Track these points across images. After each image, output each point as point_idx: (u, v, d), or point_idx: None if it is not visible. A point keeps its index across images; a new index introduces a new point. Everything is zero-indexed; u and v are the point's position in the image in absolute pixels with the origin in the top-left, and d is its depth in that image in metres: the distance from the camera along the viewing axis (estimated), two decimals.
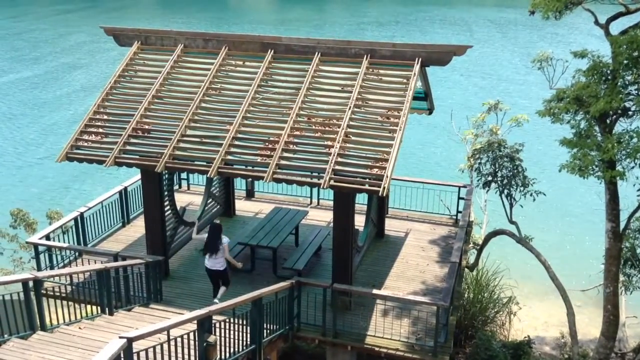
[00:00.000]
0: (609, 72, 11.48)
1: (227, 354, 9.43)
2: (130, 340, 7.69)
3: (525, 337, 14.82)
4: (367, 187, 10.45)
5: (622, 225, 12.60)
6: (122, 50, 13.72)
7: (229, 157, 11.22)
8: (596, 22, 12.19)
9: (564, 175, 11.95)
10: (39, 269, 12.85)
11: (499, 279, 16.65)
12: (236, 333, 9.65)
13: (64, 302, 10.75)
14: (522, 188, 14.24)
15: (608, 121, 11.82)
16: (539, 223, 22.26)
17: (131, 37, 13.57)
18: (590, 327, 17.05)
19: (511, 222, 14.89)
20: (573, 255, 20.92)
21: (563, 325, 16.30)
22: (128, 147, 11.69)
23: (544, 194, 14.31)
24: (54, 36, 63.56)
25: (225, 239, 11.71)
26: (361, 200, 13.74)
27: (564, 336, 16.26)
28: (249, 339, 10.05)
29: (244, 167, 11.59)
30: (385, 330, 11.06)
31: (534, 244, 14.77)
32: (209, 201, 15.05)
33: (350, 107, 11.38)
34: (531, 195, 14.20)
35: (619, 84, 11.32)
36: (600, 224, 13.62)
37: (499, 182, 14.46)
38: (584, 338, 16.23)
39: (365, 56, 12.16)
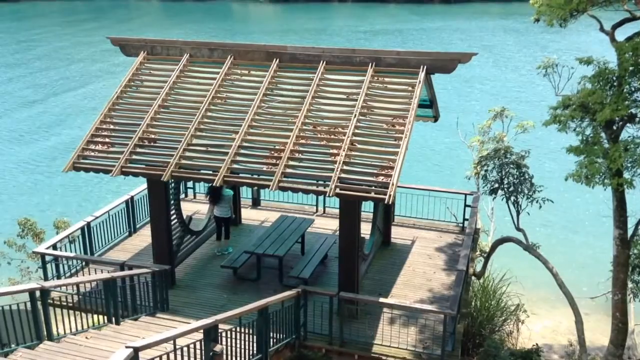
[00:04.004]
0: (614, 78, 11.45)
1: None
2: (137, 350, 7.69)
3: (533, 345, 14.69)
4: (373, 194, 10.44)
5: (630, 232, 12.53)
6: (129, 60, 13.81)
7: (235, 165, 11.24)
8: (601, 29, 12.18)
9: (570, 181, 11.91)
10: (45, 278, 12.89)
11: (506, 286, 16.55)
12: (242, 342, 9.63)
13: (71, 312, 10.75)
14: (529, 195, 14.18)
15: (614, 128, 11.78)
16: (547, 230, 22.16)
17: (137, 47, 13.66)
18: (598, 334, 16.91)
19: (518, 229, 14.82)
20: (581, 263, 20.78)
21: (571, 333, 16.18)
22: (134, 157, 11.74)
23: (551, 201, 14.25)
24: (59, 47, 64.08)
25: (227, 192, 14.05)
26: (367, 208, 13.71)
27: (573, 344, 16.14)
28: (255, 348, 10.02)
29: (249, 175, 11.61)
30: (392, 338, 11.01)
31: (542, 252, 14.68)
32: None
33: (355, 115, 11.39)
34: (537, 202, 14.14)
35: (625, 90, 11.29)
36: (608, 230, 13.54)
37: (505, 189, 14.41)
38: (592, 346, 16.10)
39: (370, 64, 12.18)
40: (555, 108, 12.11)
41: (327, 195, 10.49)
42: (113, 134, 12.20)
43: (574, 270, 19.60)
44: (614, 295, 12.79)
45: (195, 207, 16.40)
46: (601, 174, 11.28)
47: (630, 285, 13.57)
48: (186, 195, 17.44)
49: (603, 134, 11.90)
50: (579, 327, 13.72)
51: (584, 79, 11.99)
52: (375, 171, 10.56)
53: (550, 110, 12.26)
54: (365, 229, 13.21)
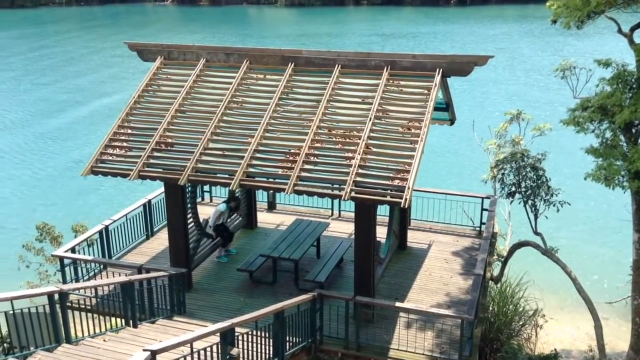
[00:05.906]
0: (633, 80, 11.34)
1: None
2: (154, 353, 7.74)
3: (552, 351, 14.57)
4: (388, 198, 10.40)
5: None
6: (146, 65, 13.93)
7: (251, 169, 11.29)
8: (619, 31, 12.06)
9: (589, 185, 11.80)
10: (64, 281, 13.01)
11: (524, 291, 16.42)
12: (259, 346, 9.64)
13: (89, 315, 10.85)
14: (546, 198, 14.05)
15: (633, 130, 11.65)
16: (565, 234, 21.93)
17: (154, 52, 13.78)
18: (618, 340, 16.69)
19: (536, 233, 14.69)
20: (600, 267, 20.55)
21: (590, 339, 16.00)
22: (152, 161, 11.83)
23: (569, 204, 14.10)
24: (77, 52, 64.88)
25: (218, 207, 14.38)
26: (383, 212, 13.68)
27: (592, 349, 15.94)
28: (271, 352, 10.03)
29: (265, 179, 11.63)
30: (409, 343, 10.95)
31: (560, 256, 14.54)
32: (230, 213, 15.13)
33: (370, 118, 11.38)
34: (555, 206, 14.00)
35: None
36: (627, 234, 13.37)
37: (522, 192, 14.29)
38: (612, 351, 15.89)
39: (385, 68, 12.17)
40: (573, 110, 12.02)
41: (342, 198, 10.46)
42: (130, 139, 12.30)
43: (593, 274, 19.39)
44: (634, 299, 12.63)
45: (212, 211, 16.45)
46: (621, 176, 11.16)
47: None
48: (203, 199, 17.53)
49: (622, 137, 11.78)
50: (598, 332, 13.55)
51: (602, 81, 11.88)
52: (391, 175, 10.53)
53: (569, 112, 12.17)
54: (381, 233, 13.17)
